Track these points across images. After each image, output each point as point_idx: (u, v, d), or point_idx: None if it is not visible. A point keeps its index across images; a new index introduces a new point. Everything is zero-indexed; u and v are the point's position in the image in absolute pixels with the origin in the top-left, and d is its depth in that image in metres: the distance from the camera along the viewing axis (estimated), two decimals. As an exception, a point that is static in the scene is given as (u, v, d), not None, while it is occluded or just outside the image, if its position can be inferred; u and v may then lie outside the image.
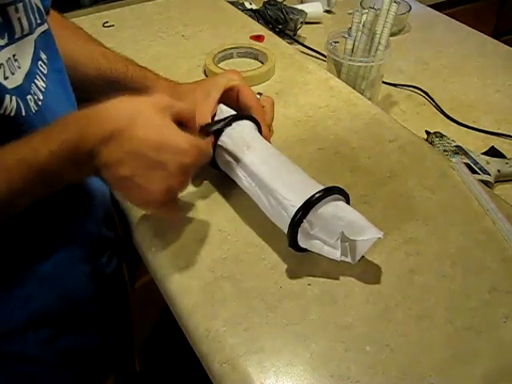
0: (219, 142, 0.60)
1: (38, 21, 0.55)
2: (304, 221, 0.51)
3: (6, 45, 0.49)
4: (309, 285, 0.52)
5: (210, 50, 0.88)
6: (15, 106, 0.48)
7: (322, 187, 0.52)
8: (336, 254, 0.52)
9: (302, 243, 0.52)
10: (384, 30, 0.82)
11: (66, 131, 0.47)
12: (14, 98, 0.48)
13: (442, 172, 0.65)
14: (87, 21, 1.02)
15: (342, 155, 0.68)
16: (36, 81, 0.53)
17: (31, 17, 0.53)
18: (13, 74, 0.49)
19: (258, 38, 0.94)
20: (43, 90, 0.54)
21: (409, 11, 1.09)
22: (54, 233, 0.56)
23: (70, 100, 0.61)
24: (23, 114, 0.49)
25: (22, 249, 0.53)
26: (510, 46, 1.05)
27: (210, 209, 0.61)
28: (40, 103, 0.52)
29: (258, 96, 0.69)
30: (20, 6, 0.50)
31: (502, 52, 1.03)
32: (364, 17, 0.82)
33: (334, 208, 0.51)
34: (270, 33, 0.98)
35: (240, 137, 0.59)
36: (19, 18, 0.50)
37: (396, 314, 0.49)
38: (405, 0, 1.09)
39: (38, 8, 0.55)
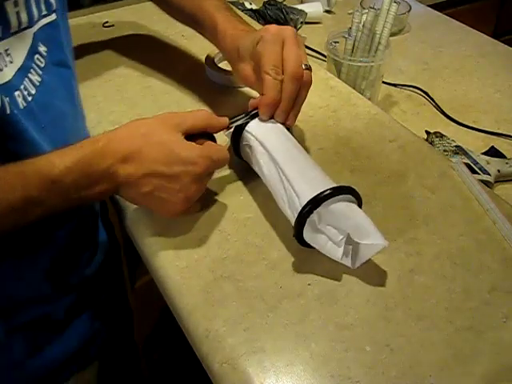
0: (245, 131, 0.60)
1: (44, 12, 0.55)
2: (314, 212, 0.51)
3: None
4: (309, 285, 0.52)
5: (210, 50, 0.88)
6: (0, 105, 0.49)
7: (336, 185, 0.53)
8: (337, 254, 0.52)
9: (306, 235, 0.52)
10: (384, 29, 0.82)
11: (82, 150, 0.50)
12: None
13: (442, 172, 0.65)
14: (87, 21, 1.02)
15: (342, 155, 0.68)
16: (30, 75, 0.53)
17: (33, 9, 0.53)
18: (1, 70, 0.50)
19: (258, 37, 0.94)
20: (37, 84, 0.54)
21: (409, 11, 1.09)
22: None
23: (69, 94, 0.61)
24: (7, 112, 0.49)
25: None
26: (510, 45, 1.05)
27: (210, 209, 0.61)
28: (30, 98, 0.53)
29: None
30: None
31: (502, 52, 1.03)
32: (364, 17, 0.82)
33: (345, 207, 0.52)
34: (270, 33, 0.97)
35: (263, 126, 0.60)
36: (18, 12, 0.50)
37: (396, 313, 0.49)
38: (405, 0, 1.09)
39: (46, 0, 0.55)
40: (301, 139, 0.71)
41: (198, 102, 0.78)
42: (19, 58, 0.52)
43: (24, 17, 0.51)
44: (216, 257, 0.55)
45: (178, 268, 0.54)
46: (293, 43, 0.58)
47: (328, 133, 0.72)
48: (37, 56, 0.55)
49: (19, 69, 0.52)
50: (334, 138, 0.71)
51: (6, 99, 0.50)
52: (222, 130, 0.58)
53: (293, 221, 0.52)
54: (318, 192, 0.51)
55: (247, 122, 0.60)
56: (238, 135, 0.61)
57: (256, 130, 0.60)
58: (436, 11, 1.20)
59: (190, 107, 0.77)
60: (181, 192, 0.53)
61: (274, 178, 0.57)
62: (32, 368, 0.61)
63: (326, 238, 0.52)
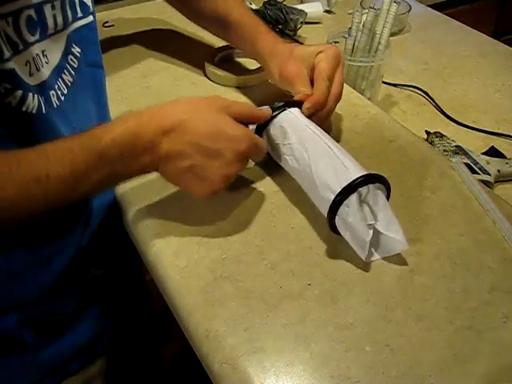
0: (270, 126, 0.61)
1: (79, 15, 0.57)
2: (364, 186, 0.51)
3: (37, 41, 0.51)
4: (309, 285, 0.52)
5: (210, 49, 0.88)
6: (37, 104, 0.50)
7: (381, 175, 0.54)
8: (367, 236, 0.51)
9: (351, 206, 0.51)
10: (384, 30, 0.82)
11: (126, 123, 0.51)
12: (36, 96, 0.50)
13: (442, 172, 0.65)
14: (87, 21, 1.02)
15: (342, 155, 0.68)
16: (63, 75, 0.56)
17: (68, 12, 0.55)
18: (38, 70, 0.52)
19: (258, 37, 0.94)
20: (69, 84, 0.56)
21: (409, 11, 1.09)
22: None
23: (98, 95, 0.63)
24: (43, 111, 0.51)
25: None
26: (510, 45, 1.05)
27: (210, 209, 0.61)
28: (63, 98, 0.55)
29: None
30: (57, 2, 0.52)
31: (502, 52, 1.03)
32: (364, 17, 0.82)
33: (385, 198, 0.53)
34: (270, 33, 0.97)
35: (291, 120, 0.61)
36: (54, 15, 0.52)
37: (396, 314, 0.49)
38: (405, 0, 1.09)
39: (82, 2, 0.57)
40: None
41: (198, 102, 0.78)
42: (54, 58, 0.54)
43: (59, 19, 0.53)
44: (216, 257, 0.55)
45: (178, 268, 0.54)
46: (343, 69, 0.67)
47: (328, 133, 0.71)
48: (70, 57, 0.57)
49: (54, 69, 0.54)
50: (334, 138, 0.70)
51: (42, 98, 0.51)
52: (264, 121, 0.60)
53: (337, 189, 0.52)
54: (368, 172, 0.52)
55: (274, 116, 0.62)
56: (262, 126, 0.62)
57: (289, 119, 0.61)
58: (436, 11, 1.19)
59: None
60: (221, 168, 0.53)
61: (318, 148, 0.57)
62: (41, 360, 0.62)
63: (362, 216, 0.52)
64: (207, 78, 0.84)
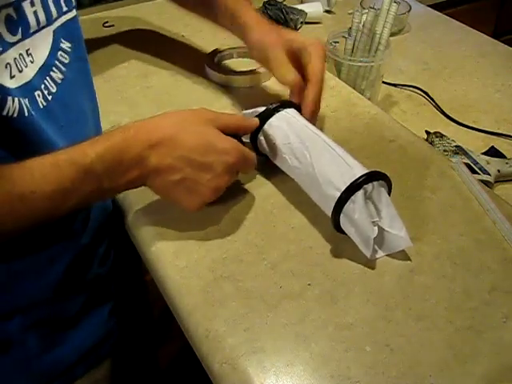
0: (266, 126, 0.62)
1: (64, 9, 0.55)
2: (369, 184, 0.52)
3: (19, 41, 0.50)
4: (309, 285, 0.52)
5: (209, 50, 0.88)
6: (17, 108, 0.49)
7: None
8: (372, 233, 0.51)
9: (357, 203, 0.52)
10: (384, 30, 0.82)
11: (113, 138, 0.50)
12: (16, 99, 0.49)
13: (442, 172, 0.65)
14: (87, 21, 1.02)
15: (342, 155, 0.68)
16: (52, 73, 0.54)
17: (51, 8, 0.53)
18: (21, 71, 0.50)
19: (258, 38, 0.94)
20: (59, 81, 0.55)
21: (409, 11, 1.09)
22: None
23: (89, 90, 0.63)
24: (26, 114, 0.50)
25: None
26: (510, 45, 1.05)
27: (210, 209, 0.60)
28: (51, 97, 0.54)
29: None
30: None
31: (502, 52, 1.03)
32: (364, 17, 0.82)
33: (388, 196, 0.54)
34: (270, 33, 0.97)
35: (289, 120, 0.62)
36: (35, 12, 0.51)
37: (396, 314, 0.49)
38: (405, 0, 1.09)
39: None
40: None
41: (198, 102, 0.78)
42: (41, 56, 0.53)
43: (41, 16, 0.52)
44: (216, 257, 0.55)
45: (178, 268, 0.54)
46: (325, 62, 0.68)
47: (328, 133, 0.71)
48: (60, 53, 0.55)
49: (41, 67, 0.53)
50: (334, 138, 0.70)
51: (25, 101, 0.50)
52: (251, 131, 0.60)
53: (342, 186, 0.52)
54: (371, 170, 0.53)
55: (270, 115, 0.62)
56: (258, 127, 0.62)
57: (287, 119, 0.61)
58: (436, 11, 1.19)
59: (191, 107, 0.77)
60: (211, 181, 0.53)
61: (319, 146, 0.57)
62: (45, 364, 0.61)
63: (368, 213, 0.52)
64: (207, 78, 0.84)
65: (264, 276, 0.53)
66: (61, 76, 0.55)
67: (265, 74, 0.83)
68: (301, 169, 0.58)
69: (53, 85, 0.54)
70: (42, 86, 0.53)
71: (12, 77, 0.49)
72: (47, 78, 0.54)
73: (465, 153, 0.75)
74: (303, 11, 1.07)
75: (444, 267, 0.54)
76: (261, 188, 0.63)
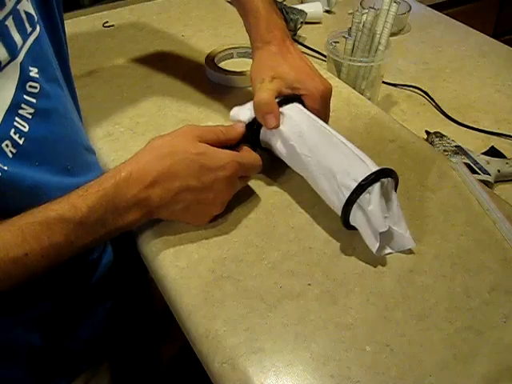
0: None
1: (29, 30, 0.51)
2: (385, 179, 0.52)
3: None
4: (309, 285, 0.52)
5: (209, 50, 0.88)
6: None
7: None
8: (383, 227, 0.51)
9: (374, 195, 0.52)
10: (384, 30, 0.82)
11: (103, 186, 0.49)
12: None
13: (442, 172, 0.65)
14: (87, 21, 1.03)
15: (342, 155, 0.68)
16: (21, 111, 0.50)
17: (14, 38, 0.49)
18: None
19: (258, 38, 0.94)
20: (30, 117, 0.51)
21: (409, 11, 1.09)
22: None
23: (66, 110, 0.58)
24: None
25: None
26: (510, 45, 1.05)
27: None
28: (22, 140, 0.50)
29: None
30: None
31: (502, 52, 1.03)
32: (364, 17, 0.82)
33: (396, 194, 0.55)
34: (270, 33, 0.97)
35: (297, 111, 0.61)
36: None
37: (396, 314, 0.49)
38: (405, 0, 1.09)
39: (28, 14, 0.51)
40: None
41: (198, 102, 0.78)
42: (6, 98, 0.49)
43: (3, 53, 0.47)
44: (216, 257, 0.55)
45: (178, 268, 0.54)
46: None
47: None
48: (29, 83, 0.51)
49: (7, 111, 0.49)
50: (334, 138, 0.71)
51: None
52: (238, 139, 0.59)
53: (359, 177, 0.52)
54: (384, 167, 0.54)
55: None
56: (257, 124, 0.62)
57: (296, 110, 0.61)
58: (436, 11, 1.19)
59: (191, 107, 0.77)
60: (216, 199, 0.55)
61: (331, 138, 0.57)
62: (47, 360, 0.61)
63: (382, 206, 0.52)
64: (207, 77, 0.84)
65: (264, 276, 0.53)
66: (31, 110, 0.51)
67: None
68: (311, 157, 0.57)
69: (24, 124, 0.50)
70: (12, 132, 0.49)
71: None
72: (16, 118, 0.49)
73: (465, 153, 0.75)
74: (303, 11, 1.07)
75: (444, 267, 0.54)
76: (261, 188, 0.63)
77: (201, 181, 0.53)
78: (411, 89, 0.94)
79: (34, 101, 0.51)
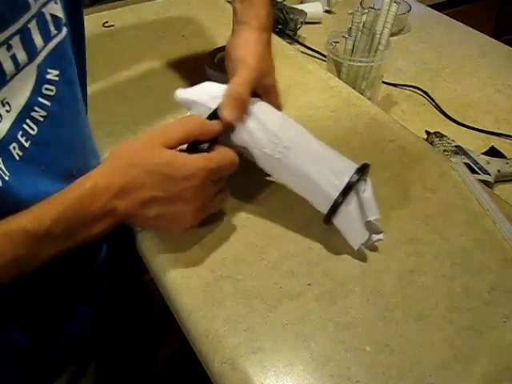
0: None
1: (53, 32, 0.51)
2: (366, 179, 0.53)
3: None
4: (309, 285, 0.52)
5: (209, 50, 0.88)
6: None
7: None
8: (375, 215, 0.52)
9: (367, 192, 0.53)
10: (384, 30, 0.82)
11: (67, 198, 0.47)
12: None
13: (442, 172, 0.65)
14: (87, 21, 1.01)
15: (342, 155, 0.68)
16: (33, 113, 0.50)
17: (35, 40, 0.49)
18: None
19: (258, 37, 0.94)
20: (41, 119, 0.51)
21: (409, 11, 1.09)
22: None
23: (78, 112, 0.59)
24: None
25: None
26: (510, 45, 1.05)
27: (210, 209, 0.61)
28: (28, 143, 0.50)
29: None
30: (15, 39, 0.46)
31: (502, 52, 1.03)
32: (364, 17, 0.82)
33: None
34: (270, 33, 0.98)
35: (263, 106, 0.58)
36: (14, 55, 0.46)
37: (396, 314, 0.49)
38: (405, 0, 1.09)
39: (54, 17, 0.51)
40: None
41: (198, 102, 0.78)
42: (20, 100, 0.49)
43: (22, 56, 0.47)
44: (216, 257, 0.55)
45: (178, 268, 0.54)
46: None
47: (328, 133, 0.72)
48: (45, 86, 0.51)
49: (19, 113, 0.49)
50: (334, 138, 0.71)
51: None
52: (216, 135, 0.54)
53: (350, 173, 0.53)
54: (359, 164, 0.54)
55: None
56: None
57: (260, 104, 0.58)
58: (436, 11, 1.19)
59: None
60: (186, 206, 0.52)
61: (305, 134, 0.57)
62: (31, 357, 0.61)
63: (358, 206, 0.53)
64: (207, 77, 0.84)
65: (264, 276, 0.53)
66: (44, 113, 0.51)
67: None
68: (291, 149, 0.55)
69: (33, 126, 0.50)
70: (19, 134, 0.49)
71: None
72: (27, 121, 0.49)
73: (465, 153, 0.75)
74: (303, 11, 1.07)
75: (444, 267, 0.54)
76: (260, 188, 0.63)
77: (166, 192, 0.50)
78: (411, 89, 0.94)
79: (48, 104, 0.51)
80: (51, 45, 0.51)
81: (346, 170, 0.53)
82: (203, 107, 0.58)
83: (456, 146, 0.76)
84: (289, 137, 0.55)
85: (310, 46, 1.02)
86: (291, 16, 1.05)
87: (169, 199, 0.51)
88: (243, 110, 0.56)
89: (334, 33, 0.87)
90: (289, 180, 0.57)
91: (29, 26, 0.47)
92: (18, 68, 0.47)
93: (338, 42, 0.87)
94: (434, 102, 0.90)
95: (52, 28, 0.51)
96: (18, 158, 0.49)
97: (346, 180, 0.52)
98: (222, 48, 0.88)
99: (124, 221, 0.51)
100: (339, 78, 0.85)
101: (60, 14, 0.52)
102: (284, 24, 1.05)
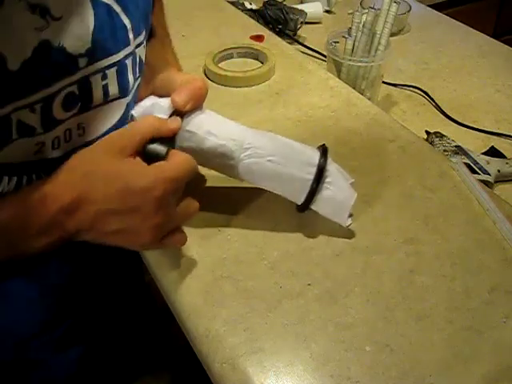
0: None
1: (137, 74, 0.51)
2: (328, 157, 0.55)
3: (73, 115, 0.45)
4: (309, 285, 0.52)
5: (209, 49, 0.88)
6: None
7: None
8: (351, 201, 0.54)
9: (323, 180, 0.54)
10: (384, 30, 0.82)
11: (10, 206, 0.45)
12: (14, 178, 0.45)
13: (442, 172, 0.65)
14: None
15: (342, 155, 0.68)
16: None
17: (128, 78, 0.48)
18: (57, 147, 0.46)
19: (258, 38, 0.94)
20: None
21: (409, 11, 1.09)
22: None
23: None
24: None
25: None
26: (510, 45, 1.05)
27: (210, 208, 0.61)
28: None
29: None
30: (112, 70, 0.45)
31: (502, 52, 1.03)
32: (364, 17, 0.82)
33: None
34: (270, 33, 0.97)
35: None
36: (106, 85, 0.46)
37: (396, 314, 0.49)
38: (405, 0, 1.09)
39: (141, 60, 0.51)
40: (300, 139, 0.70)
41: (198, 102, 0.78)
42: (97, 131, 0.48)
43: (114, 89, 0.46)
44: (216, 257, 0.55)
45: (178, 268, 0.54)
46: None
47: (327, 133, 0.72)
48: (127, 121, 0.50)
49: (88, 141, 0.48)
50: (334, 138, 0.71)
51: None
52: (175, 133, 0.50)
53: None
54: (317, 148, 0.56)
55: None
56: None
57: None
58: (436, 11, 1.20)
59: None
60: (145, 221, 0.46)
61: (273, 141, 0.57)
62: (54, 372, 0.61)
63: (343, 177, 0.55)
64: (207, 78, 0.84)
65: (264, 276, 0.53)
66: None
67: (264, 74, 0.83)
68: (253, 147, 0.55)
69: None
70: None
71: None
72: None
73: (465, 153, 0.75)
74: (303, 11, 1.07)
75: (444, 267, 0.54)
76: (260, 187, 0.63)
77: (125, 204, 0.45)
78: (411, 89, 0.94)
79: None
80: (136, 84, 0.51)
81: (312, 156, 0.55)
82: (163, 102, 0.52)
83: (456, 146, 0.76)
84: (248, 138, 0.55)
85: (310, 46, 1.02)
86: (291, 16, 1.05)
87: (126, 212, 0.45)
88: (197, 97, 0.53)
89: (334, 33, 0.87)
90: (260, 181, 0.56)
91: (126, 61, 0.47)
92: (107, 99, 0.47)
93: (337, 42, 0.87)
94: (433, 101, 0.90)
95: (137, 70, 0.51)
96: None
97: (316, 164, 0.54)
98: (222, 48, 0.88)
99: (77, 237, 0.47)
100: (339, 78, 0.85)
101: (143, 57, 0.52)
102: (284, 24, 1.05)
